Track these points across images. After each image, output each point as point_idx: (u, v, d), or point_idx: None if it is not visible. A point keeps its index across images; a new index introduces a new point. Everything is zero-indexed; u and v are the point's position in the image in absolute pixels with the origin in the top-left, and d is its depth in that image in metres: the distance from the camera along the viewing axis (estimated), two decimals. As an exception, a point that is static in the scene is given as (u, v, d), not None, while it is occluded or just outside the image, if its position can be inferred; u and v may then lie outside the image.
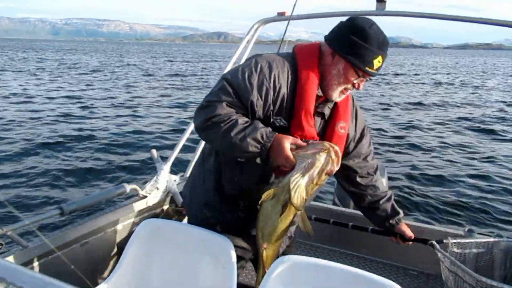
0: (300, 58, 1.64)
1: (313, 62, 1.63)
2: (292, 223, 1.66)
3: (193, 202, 1.87)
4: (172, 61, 49.15)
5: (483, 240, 2.36)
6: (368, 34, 1.56)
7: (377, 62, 1.58)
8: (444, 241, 2.38)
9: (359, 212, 3.09)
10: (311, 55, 1.65)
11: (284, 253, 1.89)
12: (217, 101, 1.53)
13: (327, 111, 1.71)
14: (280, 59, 1.62)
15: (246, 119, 1.53)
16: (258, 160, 1.54)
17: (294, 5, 2.82)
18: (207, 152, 1.83)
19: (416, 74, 34.93)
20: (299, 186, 1.46)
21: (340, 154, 1.50)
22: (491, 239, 2.38)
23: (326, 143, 1.49)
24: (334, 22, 1.72)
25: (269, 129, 1.52)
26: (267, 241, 1.61)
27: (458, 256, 2.29)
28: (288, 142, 1.48)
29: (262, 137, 1.48)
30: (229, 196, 1.74)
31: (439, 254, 2.19)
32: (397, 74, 34.37)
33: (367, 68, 1.57)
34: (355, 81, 1.62)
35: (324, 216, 3.03)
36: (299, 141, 1.52)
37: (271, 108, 1.57)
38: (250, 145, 1.47)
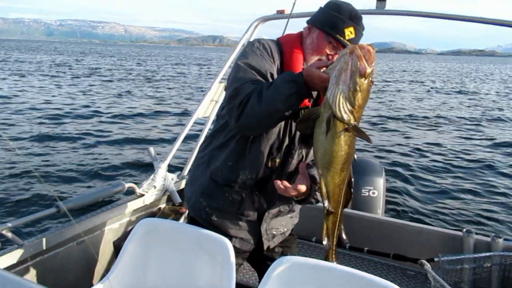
0: (284, 41, 1.78)
1: (295, 41, 1.76)
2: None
3: (192, 195, 1.89)
4: (169, 64, 49.07)
5: (475, 255, 2.39)
6: (341, 6, 1.67)
7: (348, 33, 1.63)
8: (435, 259, 2.40)
9: (358, 212, 3.11)
10: (294, 38, 1.78)
11: (284, 254, 1.90)
12: (241, 84, 1.57)
13: None
14: (269, 40, 1.77)
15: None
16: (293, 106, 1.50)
17: (294, 3, 2.81)
18: (204, 144, 1.90)
19: (412, 81, 35.01)
20: (337, 96, 1.35)
21: (370, 48, 1.34)
22: (483, 254, 2.41)
23: (350, 45, 1.38)
24: None
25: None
26: (321, 166, 1.49)
27: (453, 272, 2.33)
28: (314, 67, 1.47)
29: (291, 76, 1.49)
30: (222, 180, 1.77)
31: (428, 274, 2.22)
32: (396, 81, 34.44)
33: (337, 35, 1.63)
34: (329, 52, 1.66)
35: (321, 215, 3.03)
36: (323, 62, 1.51)
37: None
38: (286, 88, 1.46)
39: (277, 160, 1.74)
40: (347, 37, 1.63)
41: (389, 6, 2.74)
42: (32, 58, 48.47)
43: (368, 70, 1.32)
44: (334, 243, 1.60)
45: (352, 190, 1.56)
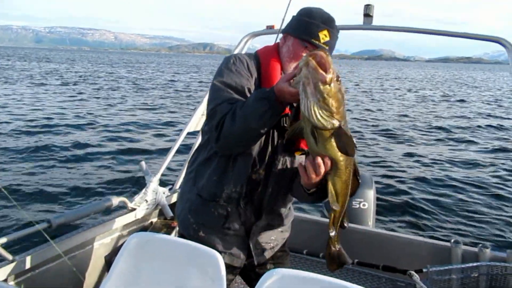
0: (261, 52, 1.81)
1: (272, 52, 1.79)
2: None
3: (181, 211, 1.90)
4: (160, 72, 48.91)
5: (463, 266, 2.43)
6: (312, 11, 1.71)
7: (323, 36, 1.67)
8: (424, 270, 2.43)
9: (349, 224, 3.13)
10: (271, 48, 1.82)
11: (276, 267, 1.90)
12: (217, 105, 1.60)
13: None
14: (246, 54, 1.80)
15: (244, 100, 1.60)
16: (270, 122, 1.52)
17: (283, 19, 2.87)
18: (192, 158, 1.91)
19: (397, 89, 35.35)
20: (311, 109, 1.35)
21: (323, 54, 1.33)
22: (470, 264, 2.45)
23: (304, 57, 1.37)
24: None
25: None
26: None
27: (442, 283, 2.36)
28: (283, 81, 1.47)
29: (262, 93, 1.51)
30: (208, 195, 1.78)
31: (417, 285, 2.25)
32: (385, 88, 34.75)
33: (312, 40, 1.67)
34: None
35: (313, 226, 3.06)
36: (292, 72, 1.47)
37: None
38: (259, 106, 1.48)
39: (261, 172, 1.74)
40: (322, 40, 1.67)
41: (376, 21, 2.83)
42: (20, 65, 48.09)
43: (329, 76, 1.32)
44: (337, 230, 1.66)
45: (358, 178, 1.57)
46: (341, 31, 1.81)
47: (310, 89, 1.33)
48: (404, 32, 2.91)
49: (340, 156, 1.44)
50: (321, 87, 1.32)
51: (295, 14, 1.78)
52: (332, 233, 1.64)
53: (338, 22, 1.76)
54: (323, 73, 1.31)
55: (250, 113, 1.49)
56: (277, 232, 1.92)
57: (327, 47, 1.68)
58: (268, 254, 1.92)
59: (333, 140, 1.41)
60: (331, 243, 1.71)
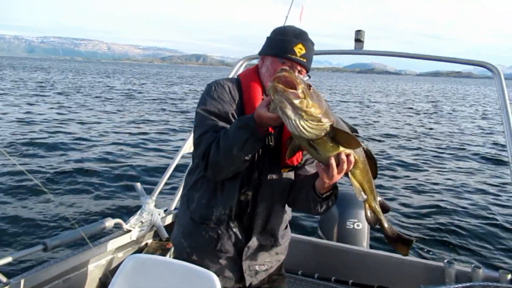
0: (243, 75, 1.86)
1: (252, 74, 1.84)
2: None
3: (176, 235, 1.93)
4: (156, 84, 47.98)
5: (456, 286, 2.45)
6: (285, 28, 1.79)
7: (299, 49, 1.73)
8: None
9: (343, 245, 3.15)
10: (251, 71, 1.87)
11: None
12: (201, 134, 1.64)
13: None
14: (228, 79, 1.85)
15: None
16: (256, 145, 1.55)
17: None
18: (185, 182, 1.94)
19: (391, 102, 35.65)
20: (298, 126, 1.37)
21: (286, 74, 1.37)
22: (464, 284, 2.47)
23: (270, 84, 1.40)
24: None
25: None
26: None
27: None
28: (261, 107, 1.49)
29: (242, 121, 1.54)
30: (199, 219, 1.80)
31: None
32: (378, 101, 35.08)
33: (289, 55, 1.72)
34: None
35: (308, 247, 3.07)
36: (267, 99, 1.49)
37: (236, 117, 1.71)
38: (240, 134, 1.51)
39: (249, 193, 1.76)
40: (298, 54, 1.73)
41: (366, 33, 2.93)
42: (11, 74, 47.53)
43: (299, 91, 1.35)
44: (379, 215, 1.68)
45: (375, 161, 1.60)
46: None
47: (289, 110, 1.37)
48: (394, 56, 3.01)
49: (347, 151, 1.47)
50: (298, 103, 1.35)
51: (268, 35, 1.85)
52: (373, 219, 1.67)
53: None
54: (294, 91, 1.35)
55: (232, 142, 1.52)
56: (271, 255, 1.92)
57: (304, 60, 1.74)
58: (261, 276, 1.91)
59: (332, 144, 1.44)
60: (387, 231, 1.73)
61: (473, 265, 2.65)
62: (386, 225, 1.71)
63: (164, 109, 23.00)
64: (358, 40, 2.93)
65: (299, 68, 1.74)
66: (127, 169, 9.95)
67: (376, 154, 12.60)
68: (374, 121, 21.35)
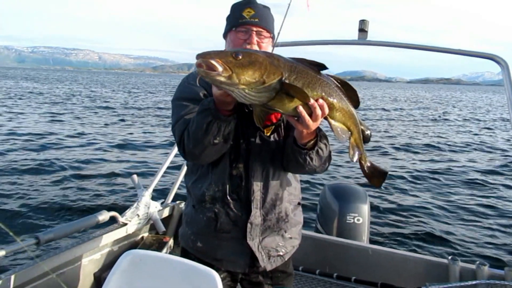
0: None
1: None
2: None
3: (182, 226, 1.93)
4: (148, 91, 48.80)
5: (461, 284, 2.40)
6: (233, 4, 1.80)
7: (247, 12, 1.74)
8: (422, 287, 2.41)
9: (342, 239, 3.10)
10: None
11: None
12: (175, 122, 1.66)
13: None
14: None
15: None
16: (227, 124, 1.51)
17: (279, 32, 2.87)
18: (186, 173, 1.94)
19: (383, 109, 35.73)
20: (244, 95, 1.34)
21: (201, 60, 1.32)
22: (469, 282, 2.43)
23: (194, 71, 1.46)
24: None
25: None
26: None
27: None
28: (214, 87, 1.44)
29: (203, 105, 1.52)
30: (197, 203, 1.79)
31: None
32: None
33: (239, 20, 1.73)
34: (244, 38, 1.72)
35: (309, 242, 3.01)
36: None
37: None
38: (202, 118, 1.50)
39: (240, 166, 1.71)
40: (248, 17, 1.73)
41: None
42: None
43: (221, 68, 1.28)
44: (362, 149, 1.62)
45: (355, 91, 1.53)
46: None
47: (226, 86, 1.33)
48: (399, 47, 2.93)
49: (309, 98, 1.39)
50: (227, 80, 1.30)
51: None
52: (355, 158, 1.61)
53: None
54: (216, 71, 1.29)
55: (197, 127, 1.51)
56: (285, 238, 1.82)
57: (256, 20, 1.72)
58: (274, 262, 1.81)
59: (287, 96, 1.37)
60: (362, 161, 1.68)
61: (477, 262, 2.60)
62: (365, 157, 1.69)
63: (160, 108, 23.12)
64: (362, 30, 2.85)
65: (254, 29, 1.72)
66: (123, 162, 9.90)
67: (376, 151, 12.62)
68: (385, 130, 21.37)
